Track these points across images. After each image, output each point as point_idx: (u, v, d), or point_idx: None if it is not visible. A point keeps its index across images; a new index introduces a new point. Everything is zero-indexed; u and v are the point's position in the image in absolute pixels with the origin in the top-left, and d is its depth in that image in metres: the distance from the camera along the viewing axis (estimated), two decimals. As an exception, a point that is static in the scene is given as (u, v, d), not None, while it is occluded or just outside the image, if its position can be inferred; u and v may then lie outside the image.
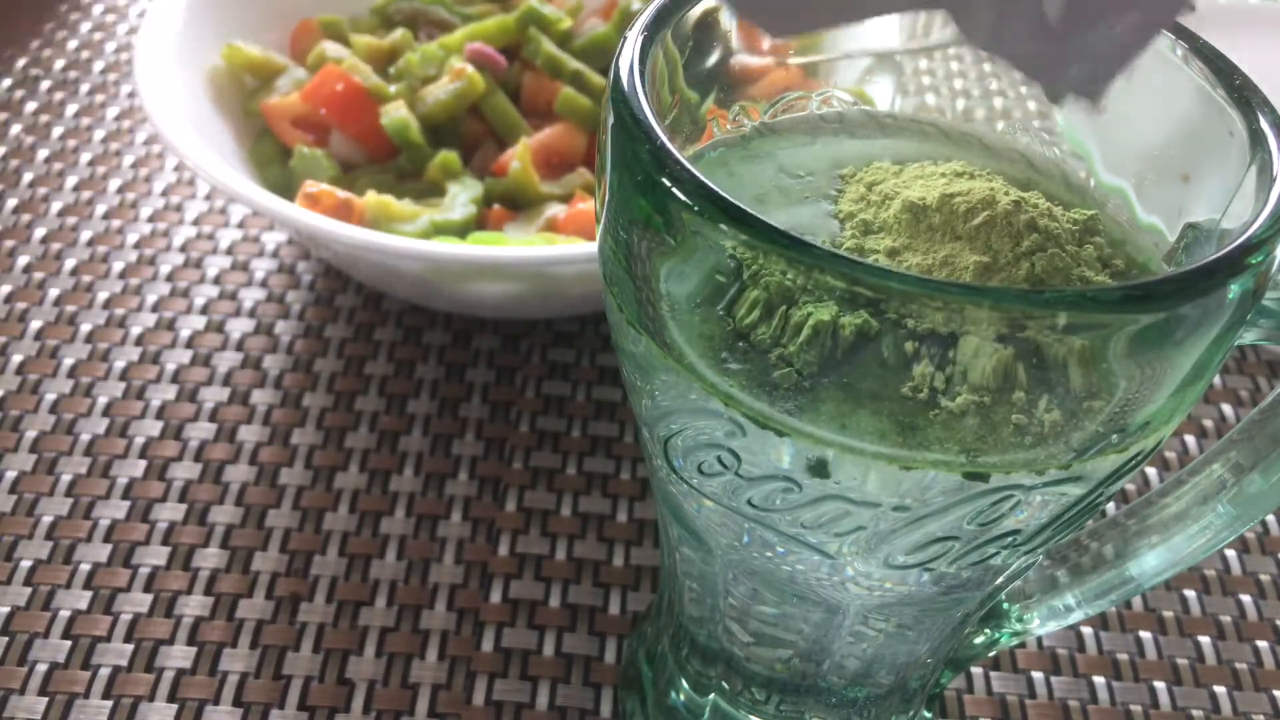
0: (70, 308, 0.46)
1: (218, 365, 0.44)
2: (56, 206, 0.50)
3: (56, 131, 0.54)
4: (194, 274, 0.48)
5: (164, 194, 0.51)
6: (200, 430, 0.42)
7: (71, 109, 0.56)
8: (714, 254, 0.20)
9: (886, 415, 0.20)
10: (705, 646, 0.29)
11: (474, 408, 0.43)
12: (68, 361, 0.44)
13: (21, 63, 0.58)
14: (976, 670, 0.36)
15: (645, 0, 0.31)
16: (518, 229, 0.45)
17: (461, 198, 0.44)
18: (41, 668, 0.35)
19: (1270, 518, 0.41)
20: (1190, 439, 0.44)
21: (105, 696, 0.34)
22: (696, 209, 0.19)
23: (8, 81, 0.57)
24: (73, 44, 0.60)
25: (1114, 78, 0.17)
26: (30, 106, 0.55)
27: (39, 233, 0.49)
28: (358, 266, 0.43)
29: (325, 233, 0.39)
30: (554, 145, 0.47)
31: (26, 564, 0.37)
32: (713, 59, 0.25)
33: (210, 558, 0.38)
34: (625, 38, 0.22)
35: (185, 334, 0.45)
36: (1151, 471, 0.43)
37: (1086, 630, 0.38)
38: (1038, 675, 0.36)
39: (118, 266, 0.48)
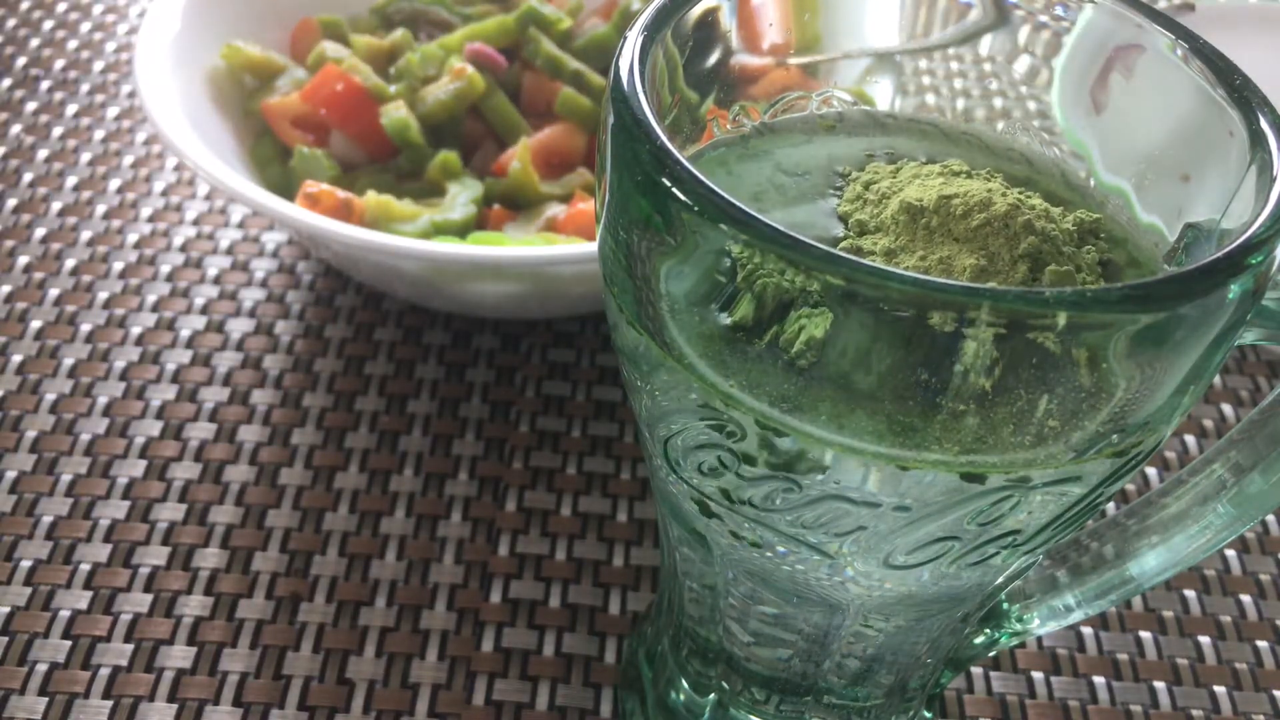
0: (70, 308, 0.46)
1: (218, 365, 0.44)
2: (56, 206, 0.50)
3: (56, 131, 0.54)
4: (194, 274, 0.48)
5: (164, 194, 0.51)
6: (200, 430, 0.42)
7: (71, 109, 0.56)
8: (713, 254, 0.20)
9: (885, 416, 0.19)
10: (705, 646, 0.29)
11: (474, 408, 0.43)
12: (68, 361, 0.44)
13: (21, 62, 0.58)
14: (976, 670, 0.36)
15: (645, 0, 0.31)
16: (518, 229, 0.45)
17: (461, 198, 0.44)
18: (41, 668, 0.35)
19: (1270, 518, 0.41)
20: (1190, 439, 0.44)
21: (105, 696, 0.34)
22: (696, 209, 0.19)
23: (8, 81, 0.57)
24: (73, 44, 0.60)
25: None
26: (30, 106, 0.55)
27: (39, 233, 0.49)
28: (358, 266, 0.43)
29: (325, 233, 0.39)
30: (554, 145, 0.47)
31: (26, 564, 0.37)
32: (713, 59, 0.25)
33: (210, 558, 0.38)
34: (625, 38, 0.22)
35: (185, 334, 0.45)
36: (1151, 471, 0.43)
37: (1086, 630, 0.38)
38: (1038, 675, 0.36)
39: (118, 266, 0.48)
